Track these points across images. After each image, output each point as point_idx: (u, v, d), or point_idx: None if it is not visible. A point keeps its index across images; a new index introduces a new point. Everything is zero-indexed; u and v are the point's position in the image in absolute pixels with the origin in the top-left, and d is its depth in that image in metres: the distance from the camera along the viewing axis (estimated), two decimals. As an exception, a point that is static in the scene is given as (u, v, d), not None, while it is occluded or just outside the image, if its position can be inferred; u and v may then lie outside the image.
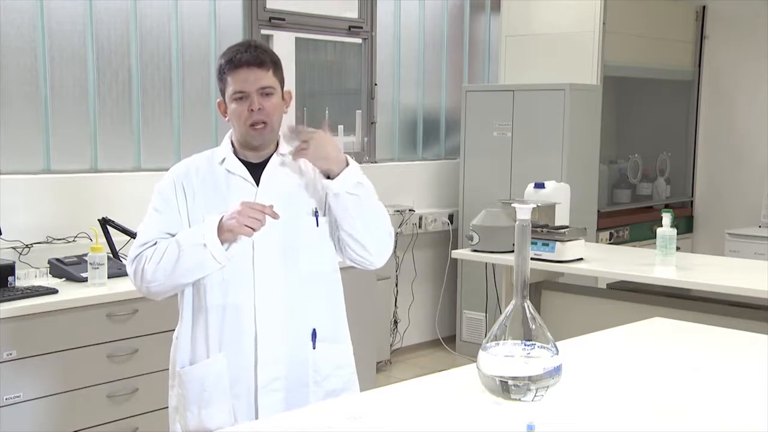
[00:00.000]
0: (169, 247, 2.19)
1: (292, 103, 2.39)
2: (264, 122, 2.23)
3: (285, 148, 2.32)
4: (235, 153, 2.30)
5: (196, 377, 2.25)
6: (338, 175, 2.19)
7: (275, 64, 2.27)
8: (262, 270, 2.23)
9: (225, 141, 2.34)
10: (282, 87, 2.30)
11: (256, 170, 2.28)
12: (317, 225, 2.28)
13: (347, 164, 2.22)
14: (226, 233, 2.15)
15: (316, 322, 2.30)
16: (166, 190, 2.28)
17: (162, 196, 2.28)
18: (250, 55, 2.23)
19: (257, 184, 2.27)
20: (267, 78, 2.24)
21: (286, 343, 2.25)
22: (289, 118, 4.86)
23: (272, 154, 2.31)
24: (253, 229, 2.14)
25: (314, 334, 2.29)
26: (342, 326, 2.39)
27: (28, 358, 3.14)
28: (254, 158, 2.30)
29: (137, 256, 2.23)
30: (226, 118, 2.30)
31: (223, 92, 2.27)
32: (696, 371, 2.21)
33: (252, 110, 2.21)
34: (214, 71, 2.38)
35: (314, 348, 2.29)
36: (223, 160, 2.29)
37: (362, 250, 2.28)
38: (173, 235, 2.23)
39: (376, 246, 2.29)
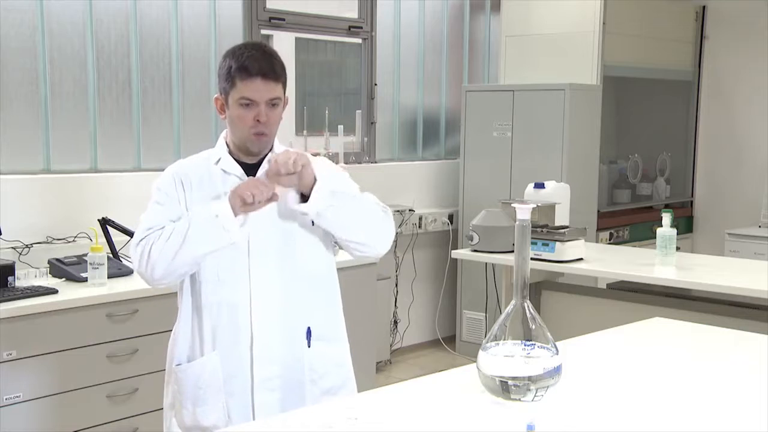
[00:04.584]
0: (179, 224, 2.19)
1: (291, 104, 2.39)
2: (266, 133, 2.23)
3: (279, 147, 2.33)
4: (230, 153, 2.31)
5: (191, 375, 2.26)
6: (309, 195, 2.18)
7: (284, 74, 2.27)
8: (257, 268, 2.23)
9: (220, 142, 2.34)
10: (285, 93, 2.30)
11: (251, 170, 2.28)
12: (313, 224, 2.28)
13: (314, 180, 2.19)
14: (234, 198, 2.15)
15: (311, 320, 2.30)
16: (166, 185, 2.29)
17: (163, 190, 2.28)
18: (267, 64, 2.20)
19: None
20: (277, 90, 2.23)
21: (282, 342, 2.26)
22: (288, 119, 4.86)
23: (266, 155, 2.31)
24: (255, 203, 2.13)
25: (309, 332, 2.29)
26: (338, 325, 2.40)
27: (28, 358, 3.14)
28: (249, 159, 2.31)
29: (144, 237, 2.22)
30: (223, 116, 2.30)
31: (226, 92, 2.25)
32: (696, 371, 2.21)
33: (259, 121, 2.21)
34: (215, 69, 2.37)
35: (309, 346, 2.29)
36: (219, 160, 2.29)
37: (364, 247, 2.29)
38: None
39: (375, 239, 2.30)
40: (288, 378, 2.27)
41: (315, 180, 2.18)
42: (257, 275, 2.23)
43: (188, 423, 2.27)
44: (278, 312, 2.25)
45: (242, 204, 2.14)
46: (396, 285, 5.54)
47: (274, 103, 2.23)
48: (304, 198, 2.19)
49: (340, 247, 2.34)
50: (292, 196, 2.21)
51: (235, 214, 2.16)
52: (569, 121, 5.26)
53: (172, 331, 2.34)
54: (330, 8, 5.33)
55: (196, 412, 2.26)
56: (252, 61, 2.19)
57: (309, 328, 2.29)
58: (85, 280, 3.43)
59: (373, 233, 2.30)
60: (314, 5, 5.23)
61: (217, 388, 2.24)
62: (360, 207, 2.28)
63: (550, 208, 4.35)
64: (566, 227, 4.18)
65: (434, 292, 5.89)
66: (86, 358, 3.29)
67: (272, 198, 2.16)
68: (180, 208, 2.25)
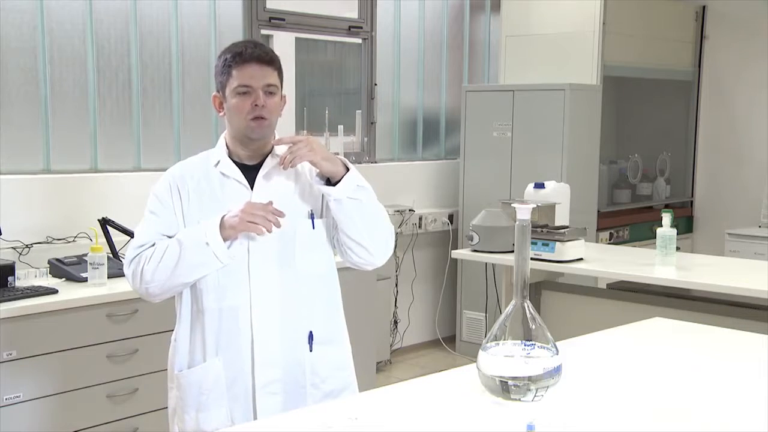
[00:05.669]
0: (170, 247, 2.19)
1: (291, 104, 2.39)
2: (265, 118, 2.23)
3: (281, 149, 2.32)
4: (229, 155, 2.30)
5: (193, 380, 2.26)
6: (339, 179, 2.19)
7: (279, 64, 2.28)
8: (258, 273, 2.23)
9: (219, 143, 2.33)
10: (281, 89, 2.30)
11: (250, 172, 2.27)
12: (313, 227, 2.28)
13: (346, 168, 2.21)
14: (228, 230, 2.17)
15: (312, 324, 2.29)
16: (162, 192, 2.28)
17: (158, 198, 2.28)
18: (260, 51, 2.24)
19: (251, 187, 2.26)
20: (272, 76, 2.24)
21: (283, 346, 2.25)
22: (288, 119, 4.86)
23: (266, 157, 2.30)
24: (260, 227, 2.15)
25: (311, 336, 2.29)
26: (340, 328, 2.39)
27: (28, 358, 3.14)
28: (248, 160, 2.29)
29: (135, 257, 2.24)
30: (221, 113, 2.30)
31: (223, 86, 2.27)
32: (696, 371, 2.21)
33: (257, 105, 2.21)
34: (214, 67, 2.37)
35: (311, 350, 2.29)
36: (218, 162, 2.28)
37: (364, 252, 2.27)
38: (170, 237, 2.23)
39: (378, 246, 2.29)
40: (289, 382, 2.26)
41: (346, 169, 2.20)
42: (257, 280, 2.23)
43: (191, 429, 2.26)
44: (278, 315, 2.24)
45: (240, 232, 2.17)
46: (396, 285, 5.54)
47: (271, 91, 2.23)
48: (329, 185, 2.21)
49: (339, 250, 2.33)
50: (317, 178, 2.23)
51: (224, 240, 2.17)
52: (569, 121, 5.26)
53: (173, 337, 2.33)
54: (330, 8, 5.33)
55: (198, 417, 2.25)
56: (246, 49, 2.24)
57: (311, 331, 2.29)
58: (85, 280, 3.43)
59: (378, 241, 2.28)
60: (314, 5, 5.23)
61: (219, 393, 2.24)
62: (376, 212, 2.27)
63: (550, 208, 4.34)
64: (566, 227, 4.18)
65: (434, 292, 5.89)
66: (86, 358, 3.29)
67: (278, 214, 2.18)
68: (175, 220, 2.25)
